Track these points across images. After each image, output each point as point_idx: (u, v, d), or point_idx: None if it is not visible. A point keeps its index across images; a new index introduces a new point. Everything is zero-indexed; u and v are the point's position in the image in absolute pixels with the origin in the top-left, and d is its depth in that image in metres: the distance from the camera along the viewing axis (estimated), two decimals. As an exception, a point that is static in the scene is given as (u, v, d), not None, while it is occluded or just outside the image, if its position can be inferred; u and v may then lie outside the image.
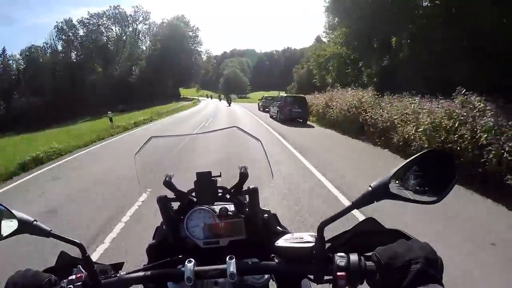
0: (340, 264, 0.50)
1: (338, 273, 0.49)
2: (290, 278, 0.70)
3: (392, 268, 0.45)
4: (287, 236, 0.59)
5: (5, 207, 0.55)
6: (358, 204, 0.49)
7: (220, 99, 44.27)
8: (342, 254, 0.51)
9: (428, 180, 0.50)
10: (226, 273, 0.53)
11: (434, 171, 0.50)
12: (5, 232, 0.55)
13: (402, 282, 0.43)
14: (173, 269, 0.58)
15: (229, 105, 31.68)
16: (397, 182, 0.49)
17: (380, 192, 0.48)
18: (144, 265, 0.67)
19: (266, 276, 0.65)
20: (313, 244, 0.54)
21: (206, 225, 0.72)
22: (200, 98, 51.88)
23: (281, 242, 0.57)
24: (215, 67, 79.72)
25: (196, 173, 0.75)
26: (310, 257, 0.53)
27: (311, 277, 0.55)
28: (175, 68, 44.84)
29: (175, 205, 0.77)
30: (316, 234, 0.53)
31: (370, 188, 0.49)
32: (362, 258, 0.50)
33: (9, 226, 0.54)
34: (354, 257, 0.50)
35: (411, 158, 0.49)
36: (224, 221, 0.72)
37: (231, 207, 0.75)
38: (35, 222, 0.55)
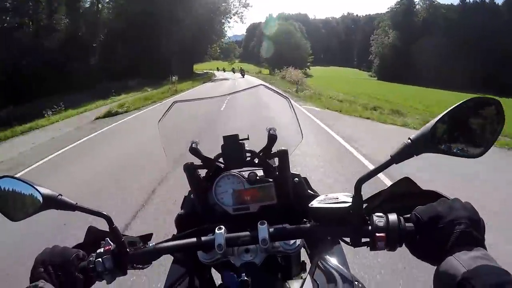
0: (379, 224, 0.47)
1: (377, 234, 0.47)
2: (323, 243, 0.68)
3: (434, 229, 0.43)
4: (321, 197, 0.56)
5: (28, 183, 0.53)
6: (397, 158, 0.45)
7: (234, 72, 42.06)
8: (380, 214, 0.49)
9: (471, 130, 0.45)
10: (258, 239, 0.52)
11: (477, 120, 0.45)
12: (30, 209, 0.53)
13: (444, 243, 0.42)
14: (204, 238, 0.56)
15: (243, 77, 30.92)
16: (437, 133, 0.45)
17: (420, 145, 0.45)
18: (173, 235, 0.68)
19: (299, 241, 0.63)
20: (350, 204, 0.50)
21: (235, 191, 0.70)
22: (215, 72, 45.67)
23: (315, 203, 0.54)
24: (258, 36, 70.23)
25: (223, 136, 0.73)
26: (346, 218, 0.50)
27: (347, 240, 0.52)
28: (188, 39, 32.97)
29: (203, 172, 0.75)
30: (351, 194, 0.50)
31: (409, 141, 0.45)
32: (401, 218, 0.48)
33: (34, 202, 0.53)
34: (393, 217, 0.48)
35: (452, 107, 0.44)
36: (254, 186, 0.70)
37: (260, 172, 0.73)
38: (60, 197, 0.53)
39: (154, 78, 22.51)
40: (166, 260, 0.68)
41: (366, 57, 61.04)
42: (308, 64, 55.54)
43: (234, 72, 41.96)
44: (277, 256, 0.70)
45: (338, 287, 0.58)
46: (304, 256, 0.81)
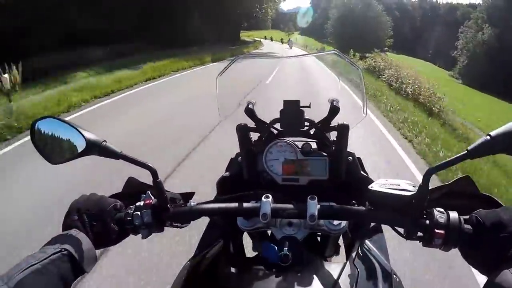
0: (440, 220, 0.44)
1: (436, 231, 0.44)
2: (367, 229, 0.67)
3: (495, 236, 0.41)
4: (380, 180, 0.53)
5: (73, 125, 0.50)
6: (473, 153, 0.42)
7: (282, 43, 40.95)
8: (441, 210, 0.46)
9: None
10: (306, 214, 0.49)
11: None
12: (71, 153, 0.51)
13: (502, 253, 0.39)
14: (249, 204, 0.53)
15: (291, 48, 29.83)
16: None
17: (501, 144, 0.41)
18: (215, 197, 0.67)
19: (344, 223, 0.60)
20: (413, 193, 0.47)
21: (287, 161, 0.68)
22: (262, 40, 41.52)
23: (376, 186, 0.51)
24: (325, 4, 59.31)
25: (284, 101, 0.69)
26: (406, 207, 0.47)
27: (400, 230, 0.49)
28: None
29: (255, 136, 0.72)
30: (413, 183, 0.49)
31: (488, 137, 0.41)
32: (462, 218, 0.45)
33: (76, 146, 0.50)
34: (454, 215, 0.45)
35: None
36: (307, 158, 0.68)
37: (314, 144, 0.71)
38: (104, 143, 0.50)
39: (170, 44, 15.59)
40: (204, 220, 0.65)
41: (444, 51, 50.24)
42: (385, 49, 39.25)
43: (282, 43, 40.08)
44: (317, 234, 0.69)
45: (378, 278, 0.56)
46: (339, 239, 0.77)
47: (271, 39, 47.19)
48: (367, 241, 0.64)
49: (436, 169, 0.44)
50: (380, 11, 41.52)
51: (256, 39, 42.33)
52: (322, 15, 64.69)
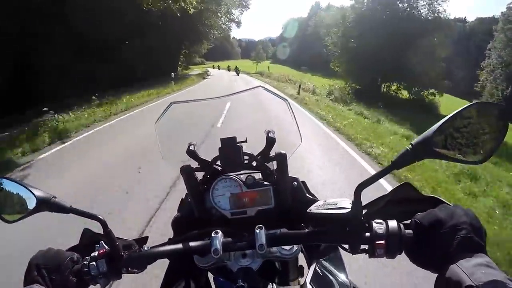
0: (379, 231, 0.47)
1: (377, 242, 0.46)
2: (321, 249, 0.69)
3: (434, 235, 0.43)
4: (319, 202, 0.54)
5: (23, 184, 0.52)
6: (398, 163, 0.45)
7: (229, 70, 41.99)
8: (380, 221, 0.48)
9: (474, 135, 0.46)
10: (255, 244, 0.51)
11: (480, 124, 0.46)
12: (23, 211, 0.53)
13: (445, 250, 0.41)
14: (200, 242, 0.55)
15: (238, 75, 30.84)
16: (439, 139, 0.44)
17: (421, 151, 0.44)
18: (169, 238, 0.66)
19: (296, 247, 0.61)
20: (349, 210, 0.49)
21: (233, 195, 0.70)
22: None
23: (314, 209, 0.53)
24: (317, 21, 51.09)
25: (221, 139, 0.72)
26: (345, 224, 0.49)
27: (345, 246, 0.51)
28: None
29: (200, 175, 0.74)
30: (351, 200, 0.50)
31: (410, 146, 0.45)
32: (401, 225, 0.47)
33: (28, 204, 0.52)
34: (392, 224, 0.47)
35: (455, 111, 0.44)
36: (251, 190, 0.69)
37: (258, 175, 0.72)
38: (53, 199, 0.52)
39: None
40: (163, 264, 0.66)
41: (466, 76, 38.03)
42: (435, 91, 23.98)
43: (229, 71, 41.10)
44: (274, 261, 0.70)
45: None
46: (302, 260, 0.79)
47: (218, 68, 48.54)
48: (323, 260, 0.67)
49: (365, 184, 0.46)
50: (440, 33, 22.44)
51: (209, 69, 41.25)
52: (299, 39, 60.37)
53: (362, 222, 0.48)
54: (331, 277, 0.62)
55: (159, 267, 0.71)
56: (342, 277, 0.64)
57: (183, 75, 28.97)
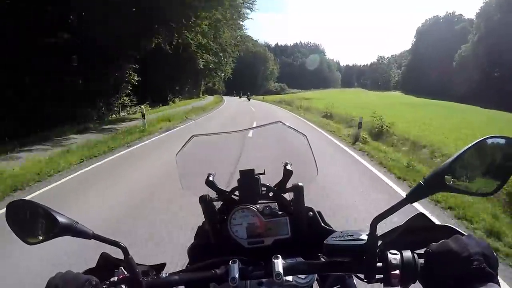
0: (394, 262, 0.48)
1: (392, 272, 0.47)
2: (336, 278, 0.71)
3: (448, 266, 0.44)
4: (336, 233, 0.57)
5: (45, 208, 0.53)
6: (412, 197, 0.47)
7: (240, 97, 42.76)
8: (395, 251, 0.49)
9: (485, 167, 0.48)
10: (272, 273, 0.52)
11: (492, 157, 0.48)
12: (45, 235, 0.53)
13: (458, 280, 0.42)
14: (217, 270, 0.56)
15: (249, 100, 31.99)
16: (451, 173, 0.47)
17: (433, 185, 0.46)
18: (186, 266, 0.68)
19: (312, 276, 0.62)
20: (365, 241, 0.51)
21: (250, 225, 0.71)
22: None
23: (331, 240, 0.55)
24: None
25: (240, 171, 0.74)
26: (361, 255, 0.50)
27: (361, 276, 0.52)
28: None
29: (218, 204, 0.75)
30: (367, 231, 0.51)
31: (423, 180, 0.47)
32: (415, 255, 0.48)
33: (50, 228, 0.53)
34: (407, 254, 0.48)
35: (466, 147, 0.46)
36: (268, 220, 0.71)
37: (275, 205, 0.74)
38: (76, 224, 0.53)
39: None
40: None
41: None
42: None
43: (240, 97, 41.73)
44: None
45: None
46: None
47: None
48: None
49: (380, 218, 0.49)
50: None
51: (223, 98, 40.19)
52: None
53: (377, 253, 0.50)
54: None
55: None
56: None
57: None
